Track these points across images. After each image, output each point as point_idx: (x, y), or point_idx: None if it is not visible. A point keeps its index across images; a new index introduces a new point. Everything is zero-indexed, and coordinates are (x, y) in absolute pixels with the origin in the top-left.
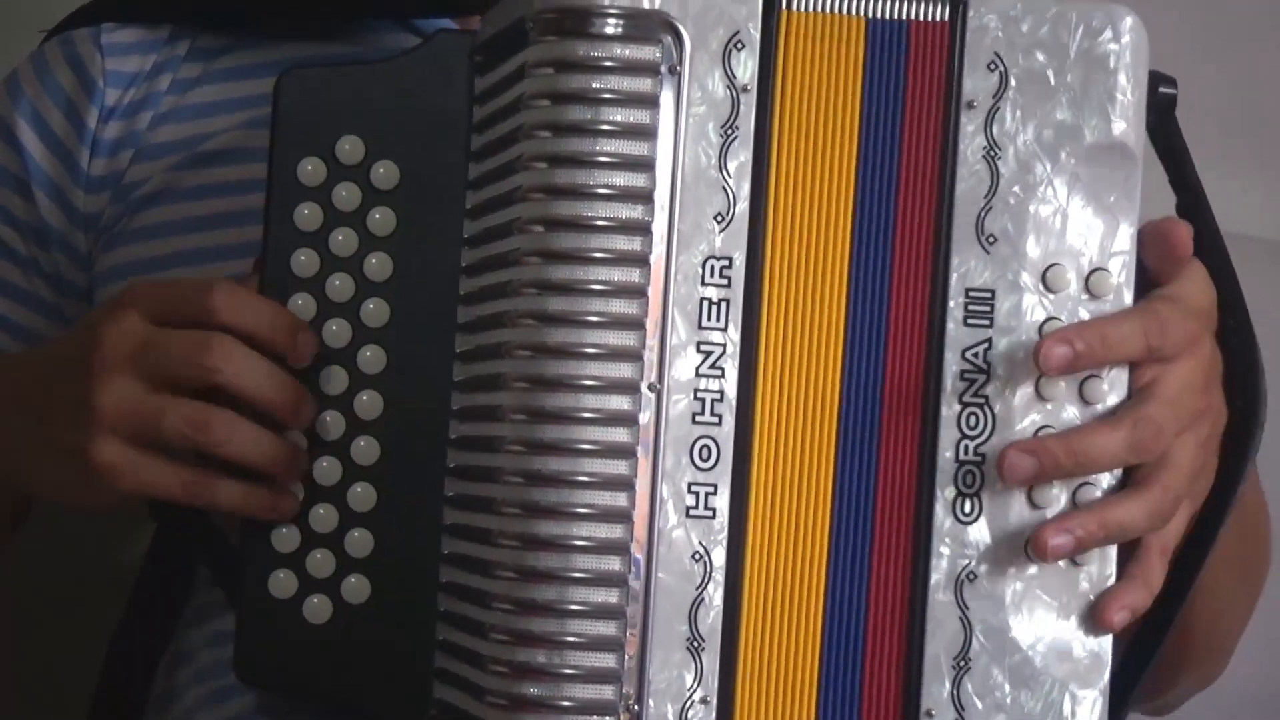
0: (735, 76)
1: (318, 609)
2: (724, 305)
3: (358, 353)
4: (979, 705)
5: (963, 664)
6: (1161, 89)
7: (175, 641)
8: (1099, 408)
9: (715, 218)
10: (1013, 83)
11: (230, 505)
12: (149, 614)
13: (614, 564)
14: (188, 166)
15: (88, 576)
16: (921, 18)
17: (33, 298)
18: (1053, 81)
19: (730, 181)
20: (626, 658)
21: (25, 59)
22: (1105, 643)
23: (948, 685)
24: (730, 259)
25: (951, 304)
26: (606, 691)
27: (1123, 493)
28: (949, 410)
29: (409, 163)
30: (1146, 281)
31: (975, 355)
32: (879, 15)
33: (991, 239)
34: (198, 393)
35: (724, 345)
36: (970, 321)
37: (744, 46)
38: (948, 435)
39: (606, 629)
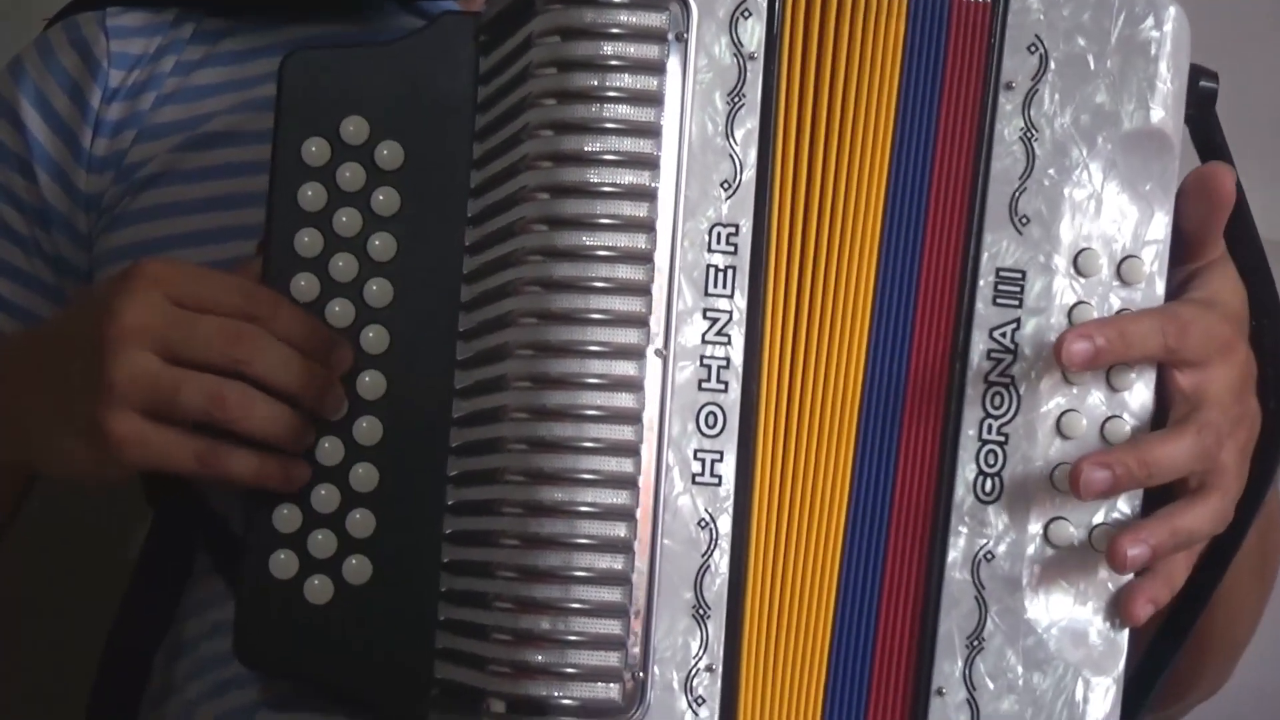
0: (742, 44)
1: (319, 590)
2: (730, 272)
3: (361, 333)
4: (990, 686)
5: (976, 643)
6: (1203, 83)
7: (174, 632)
8: (1125, 394)
9: (722, 185)
10: (1052, 65)
11: (243, 475)
12: (147, 603)
13: (619, 530)
14: (189, 148)
15: (85, 567)
16: None
17: (33, 279)
18: (1092, 66)
19: (737, 149)
20: (631, 625)
21: (30, 43)
22: (1122, 632)
23: (960, 664)
24: (737, 226)
25: (981, 283)
26: (611, 658)
27: (1187, 500)
28: (974, 389)
29: (413, 143)
30: (1179, 254)
31: (1003, 335)
32: None
33: (1024, 220)
34: None
35: (730, 312)
36: (999, 301)
37: (751, 14)
38: (971, 414)
39: (611, 595)
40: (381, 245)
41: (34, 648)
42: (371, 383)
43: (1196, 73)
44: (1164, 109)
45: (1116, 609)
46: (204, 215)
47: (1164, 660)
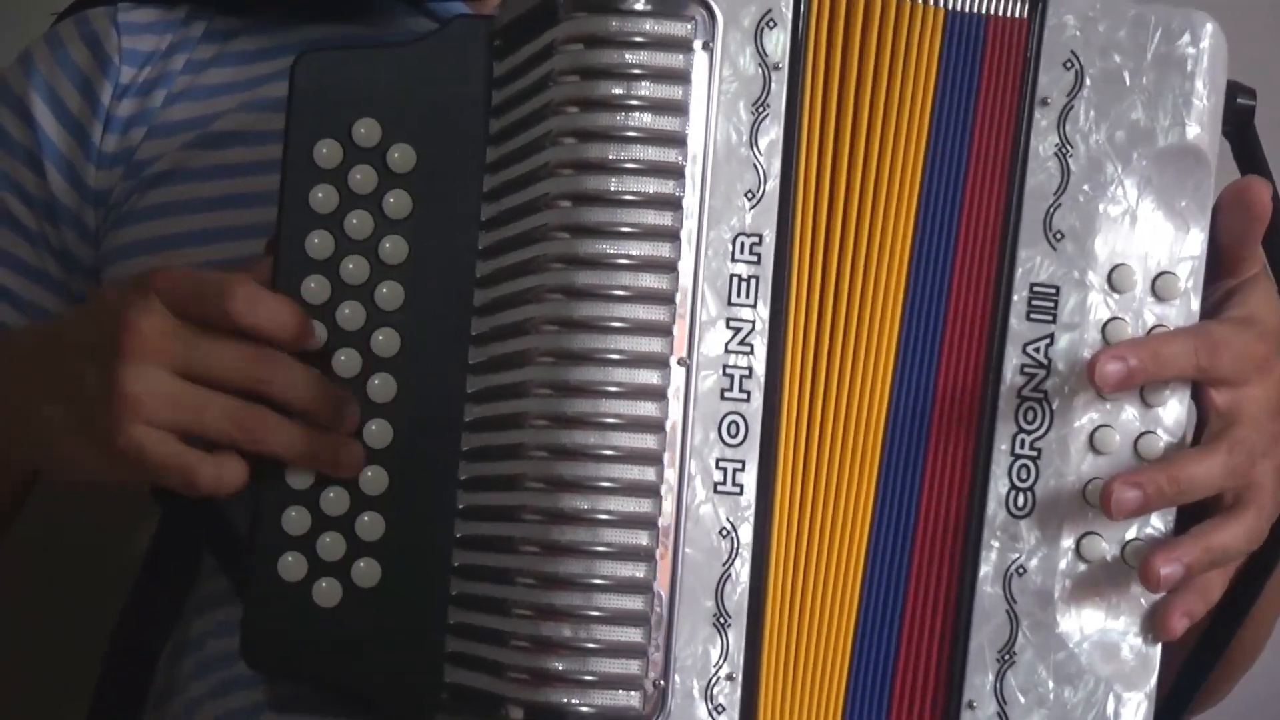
0: (767, 54)
1: (327, 592)
2: (754, 282)
3: (371, 336)
4: (1021, 700)
5: (1007, 657)
6: (1240, 99)
7: (179, 631)
8: (1159, 410)
9: (746, 195)
10: (1088, 82)
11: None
12: (153, 602)
13: (641, 538)
14: (198, 146)
15: (91, 565)
16: (1001, 13)
17: (41, 273)
18: (1128, 82)
19: (761, 159)
20: (653, 633)
21: (39, 38)
22: (1154, 647)
23: (991, 677)
24: (760, 236)
25: (1015, 298)
26: (633, 666)
27: (1221, 518)
28: (1007, 404)
29: (425, 146)
30: (1216, 270)
31: (1037, 350)
32: (959, 8)
33: (1059, 235)
34: None
35: (753, 322)
36: (1033, 317)
37: (776, 24)
38: (1004, 429)
39: (633, 603)
40: (393, 248)
41: (38, 646)
42: (382, 385)
43: (1234, 89)
44: (1200, 125)
45: (1152, 623)
46: (212, 214)
47: (1200, 675)
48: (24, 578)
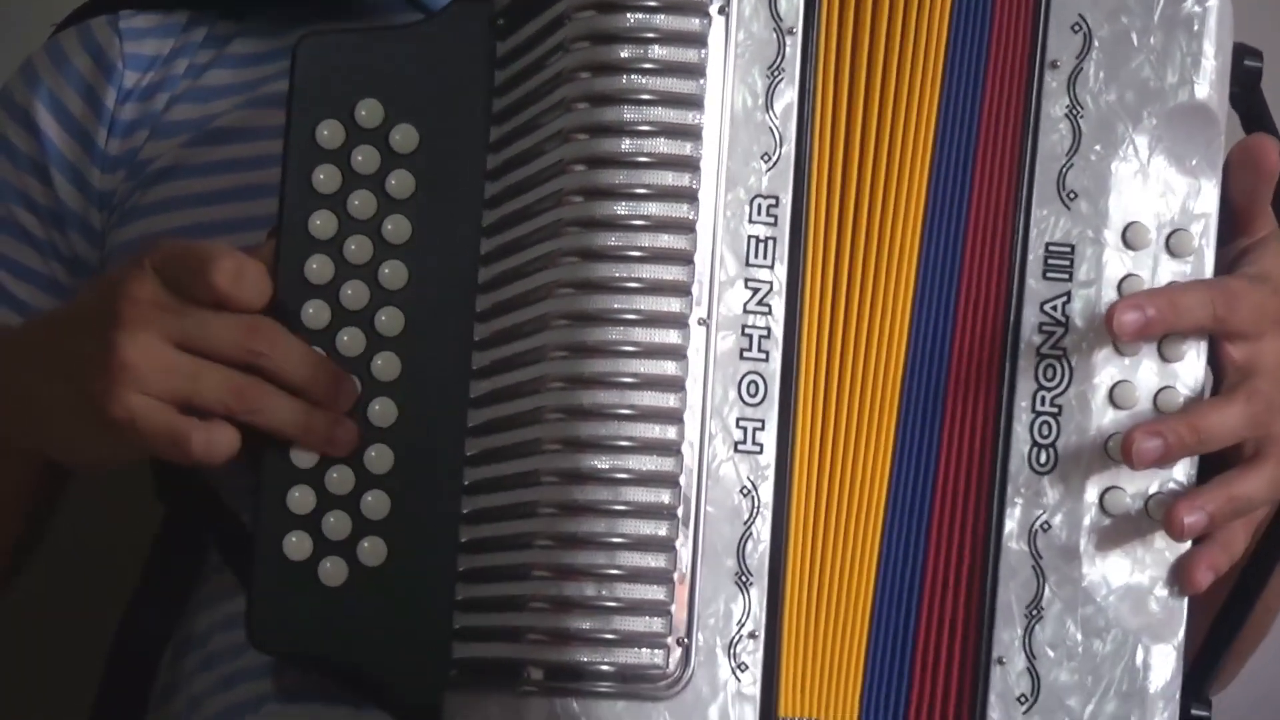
0: (781, 18)
1: (333, 572)
2: (771, 243)
3: (375, 315)
4: (1050, 654)
5: (1035, 612)
6: (1247, 61)
7: (182, 628)
8: (1177, 365)
9: (762, 158)
10: (1096, 43)
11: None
12: (157, 599)
13: (663, 497)
14: (199, 143)
15: (94, 562)
16: None
17: (50, 281)
18: (1136, 43)
19: (776, 122)
20: (675, 591)
21: (40, 48)
22: (1181, 599)
23: (1019, 632)
24: (777, 198)
25: (1031, 257)
26: (655, 624)
27: (1242, 467)
28: (1026, 362)
29: (428, 126)
30: (1229, 230)
31: (1054, 309)
32: None
33: (1072, 195)
34: None
35: (771, 283)
36: (1049, 275)
37: None
38: (1025, 386)
39: (655, 562)
40: (396, 228)
41: (42, 643)
42: (386, 364)
43: (1241, 51)
44: (1208, 84)
45: (1177, 576)
46: (213, 208)
47: (1230, 633)
48: (28, 574)
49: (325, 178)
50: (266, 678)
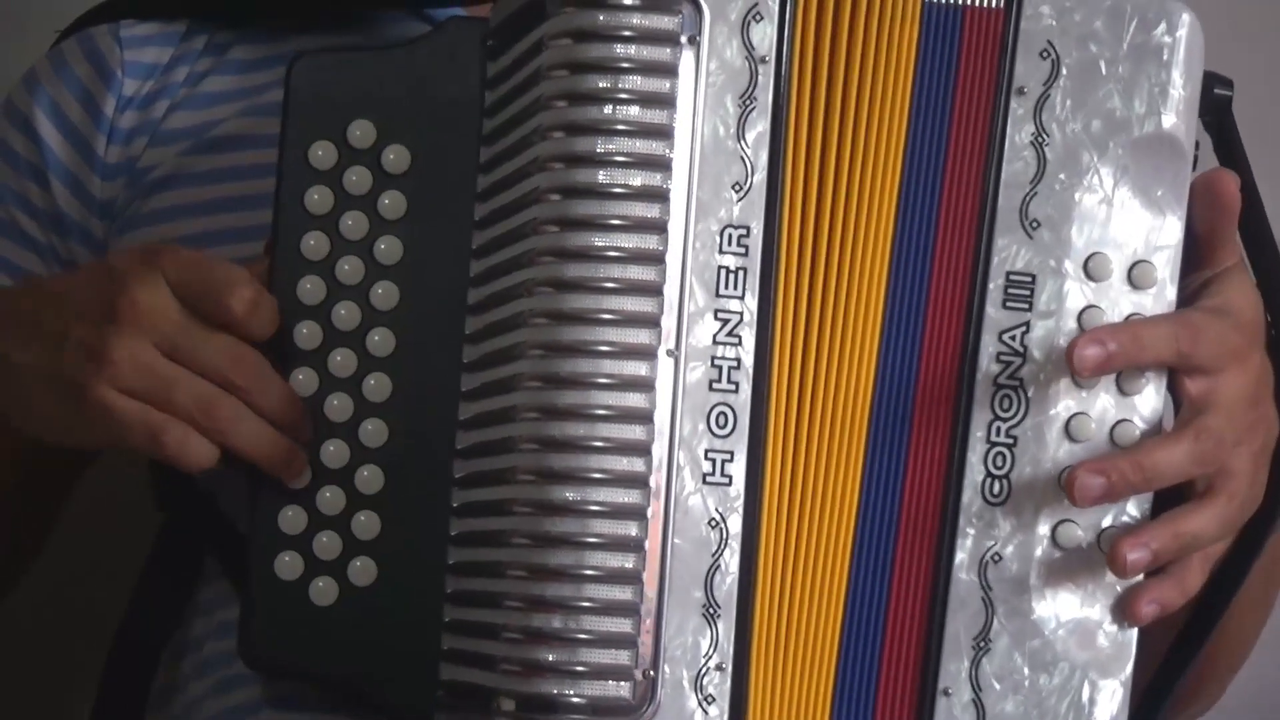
0: (754, 47)
1: (323, 591)
2: (741, 274)
3: (366, 335)
4: (996, 686)
5: (983, 644)
6: (1217, 90)
7: (180, 633)
8: (1135, 398)
9: (733, 187)
10: (1064, 71)
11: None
12: (155, 605)
13: (630, 529)
14: (198, 152)
15: (93, 568)
16: (977, 3)
17: None
18: (1104, 71)
19: (748, 151)
20: (643, 623)
21: (43, 56)
22: (1130, 634)
23: (966, 664)
24: (748, 228)
25: (991, 286)
26: (622, 657)
27: (1192, 504)
28: (983, 392)
29: (420, 147)
30: (1193, 261)
31: (1012, 338)
32: None
33: (1035, 224)
34: None
35: (741, 313)
36: (1009, 304)
37: (763, 17)
38: (980, 416)
39: (623, 594)
40: (388, 249)
41: (40, 647)
42: (377, 385)
43: (1211, 79)
44: (1176, 115)
45: (1121, 608)
46: (212, 217)
47: (1179, 668)
48: (27, 578)
49: (318, 198)
50: (261, 684)
